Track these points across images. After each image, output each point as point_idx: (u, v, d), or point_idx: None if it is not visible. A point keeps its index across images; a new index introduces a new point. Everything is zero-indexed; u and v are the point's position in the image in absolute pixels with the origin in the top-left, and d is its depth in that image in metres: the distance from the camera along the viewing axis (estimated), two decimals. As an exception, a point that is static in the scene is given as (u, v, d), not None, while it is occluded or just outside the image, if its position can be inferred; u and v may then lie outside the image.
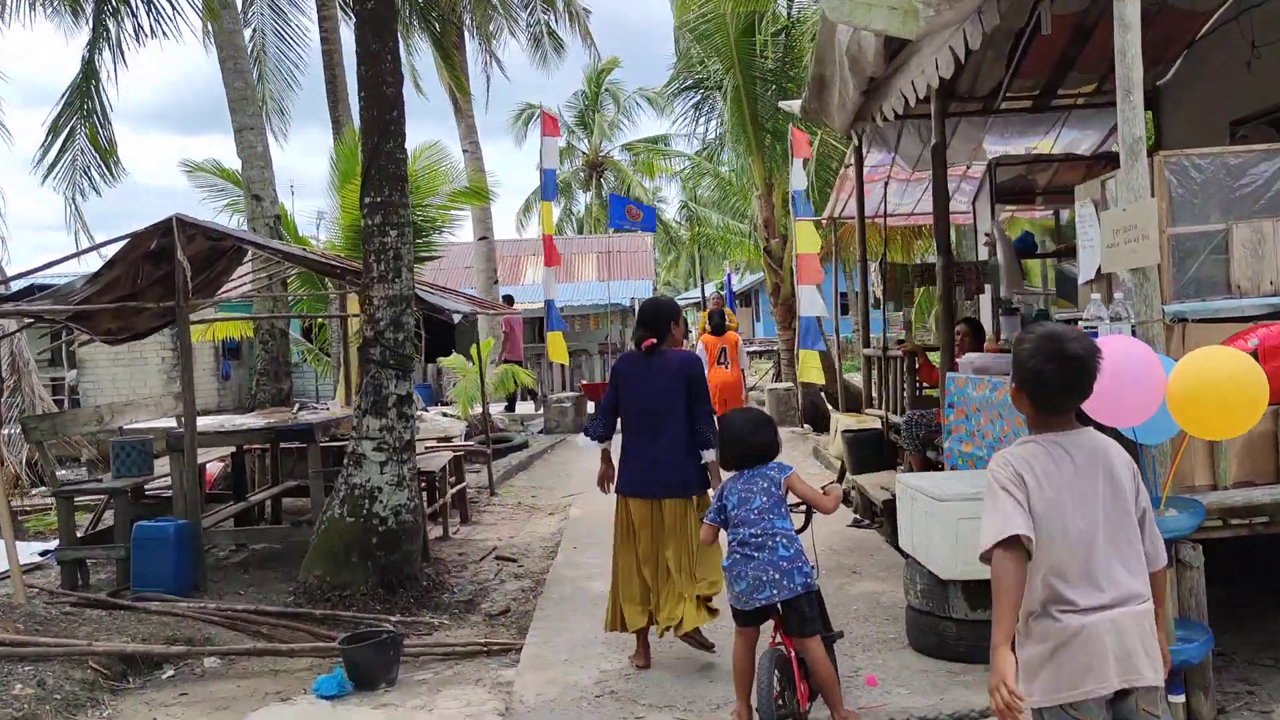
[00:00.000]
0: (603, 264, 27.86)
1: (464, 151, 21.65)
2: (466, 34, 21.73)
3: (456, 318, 8.38)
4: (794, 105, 10.26)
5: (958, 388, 6.18)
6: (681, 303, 53.77)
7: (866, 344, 10.40)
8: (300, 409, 10.02)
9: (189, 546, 7.45)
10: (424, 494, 8.53)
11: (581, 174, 45.31)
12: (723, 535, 4.49)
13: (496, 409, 16.69)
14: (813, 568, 4.29)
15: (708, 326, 14.10)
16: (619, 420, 5.37)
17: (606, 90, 44.83)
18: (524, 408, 19.69)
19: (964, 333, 8.35)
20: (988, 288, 10.54)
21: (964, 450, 6.05)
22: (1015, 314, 10.27)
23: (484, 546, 8.84)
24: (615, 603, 5.30)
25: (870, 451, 9.32)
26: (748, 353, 16.31)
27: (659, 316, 5.29)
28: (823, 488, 4.54)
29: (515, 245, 31.06)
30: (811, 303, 14.41)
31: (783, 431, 7.19)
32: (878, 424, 9.76)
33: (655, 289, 31.03)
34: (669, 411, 5.12)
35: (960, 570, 4.83)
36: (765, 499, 4.34)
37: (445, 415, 16.00)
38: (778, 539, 4.25)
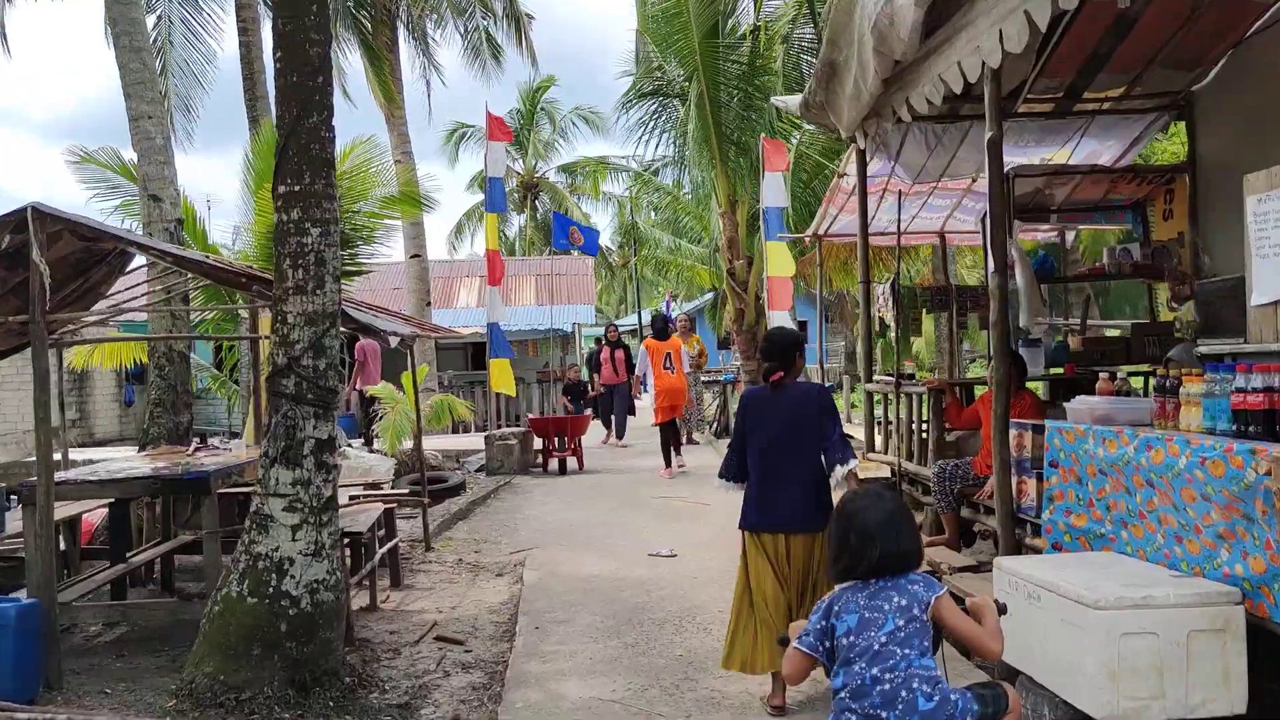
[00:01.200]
0: (542, 287, 26.27)
1: (396, 163, 19.99)
2: (401, 37, 20.18)
3: (394, 340, 6.79)
4: (790, 101, 8.90)
5: (1067, 442, 4.76)
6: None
7: (869, 377, 9.02)
8: (198, 448, 8.28)
9: (37, 634, 5.70)
10: (348, 560, 6.91)
11: (516, 195, 43.67)
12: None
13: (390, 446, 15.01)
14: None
15: (650, 332, 14.85)
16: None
17: (543, 109, 43.41)
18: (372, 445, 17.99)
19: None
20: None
21: (1074, 525, 4.63)
22: (1037, 346, 8.99)
23: (421, 621, 7.20)
24: (740, 640, 5.04)
25: (881, 505, 7.88)
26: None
27: (784, 349, 5.18)
28: (969, 602, 3.06)
29: (448, 267, 29.35)
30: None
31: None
32: (885, 472, 8.36)
33: (595, 313, 29.62)
34: (800, 444, 5.04)
35: (1126, 709, 3.38)
36: (901, 622, 2.86)
37: (372, 452, 14.28)
38: (916, 686, 2.76)
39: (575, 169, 41.15)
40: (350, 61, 20.34)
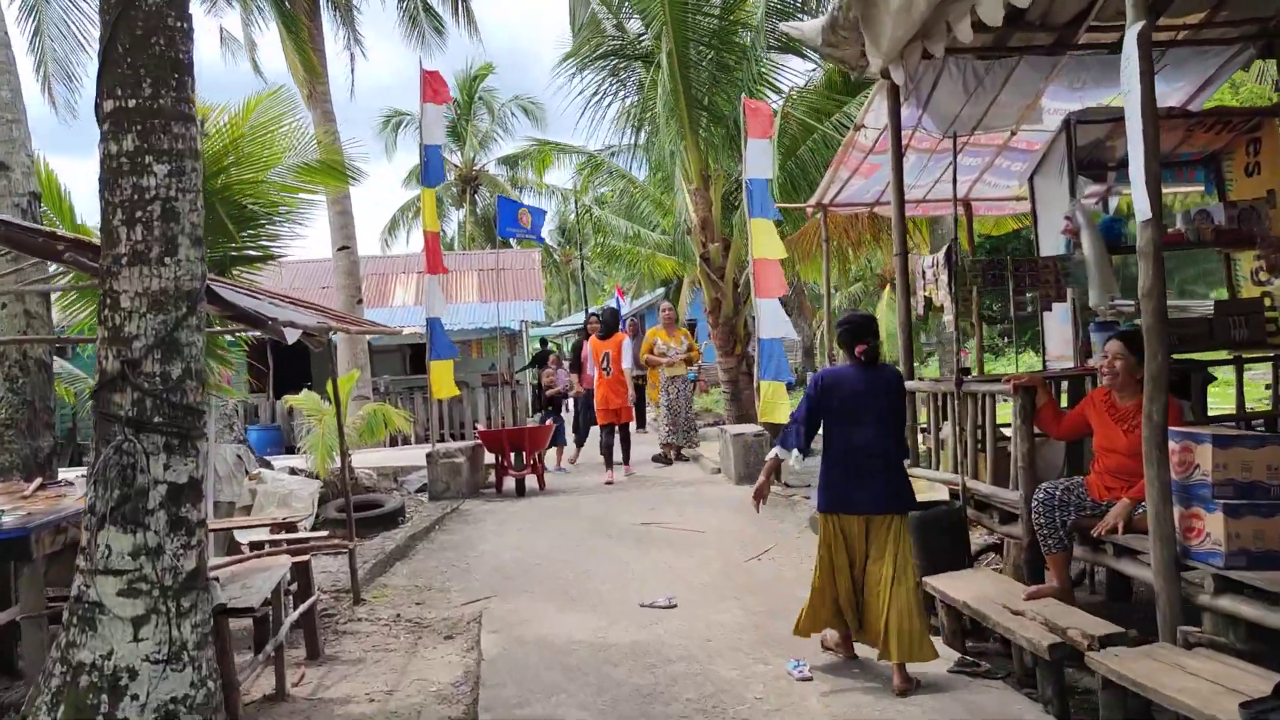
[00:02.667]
0: (486, 283, 24.18)
1: (326, 152, 17.85)
2: (322, 4, 18.06)
3: (292, 335, 4.83)
4: (807, 27, 7.08)
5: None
6: (559, 332, 50.52)
7: (910, 373, 7.21)
8: (44, 485, 6.22)
9: None
10: (234, 638, 4.97)
11: (454, 189, 41.47)
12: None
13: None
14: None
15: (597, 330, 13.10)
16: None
17: (480, 99, 41.27)
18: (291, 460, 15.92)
19: (1115, 355, 5.26)
20: (1069, 293, 7.53)
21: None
22: (1110, 330, 7.26)
23: (346, 717, 5.26)
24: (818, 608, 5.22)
25: (945, 538, 6.08)
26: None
27: (871, 326, 5.22)
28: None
29: (382, 263, 27.13)
30: (775, 321, 11.25)
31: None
32: (941, 491, 6.56)
33: (548, 308, 27.66)
34: (887, 426, 5.09)
35: None
36: None
37: (294, 472, 12.22)
38: None
39: (517, 159, 39.03)
40: (263, 31, 18.18)
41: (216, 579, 5.13)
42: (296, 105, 9.16)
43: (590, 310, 21.42)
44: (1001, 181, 9.27)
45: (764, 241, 11.21)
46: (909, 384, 7.25)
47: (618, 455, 12.35)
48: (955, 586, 5.62)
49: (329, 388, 12.49)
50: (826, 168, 12.46)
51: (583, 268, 36.26)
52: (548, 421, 12.66)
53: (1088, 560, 5.34)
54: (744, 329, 13.51)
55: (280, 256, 9.09)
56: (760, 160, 11.32)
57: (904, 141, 8.58)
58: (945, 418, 6.86)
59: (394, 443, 18.54)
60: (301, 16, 16.79)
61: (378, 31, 43.27)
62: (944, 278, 6.63)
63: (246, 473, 9.25)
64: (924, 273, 7.08)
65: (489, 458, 11.57)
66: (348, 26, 18.58)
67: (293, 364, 22.12)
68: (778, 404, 11.17)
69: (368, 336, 20.89)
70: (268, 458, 16.47)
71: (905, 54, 6.57)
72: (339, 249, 17.79)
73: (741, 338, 13.38)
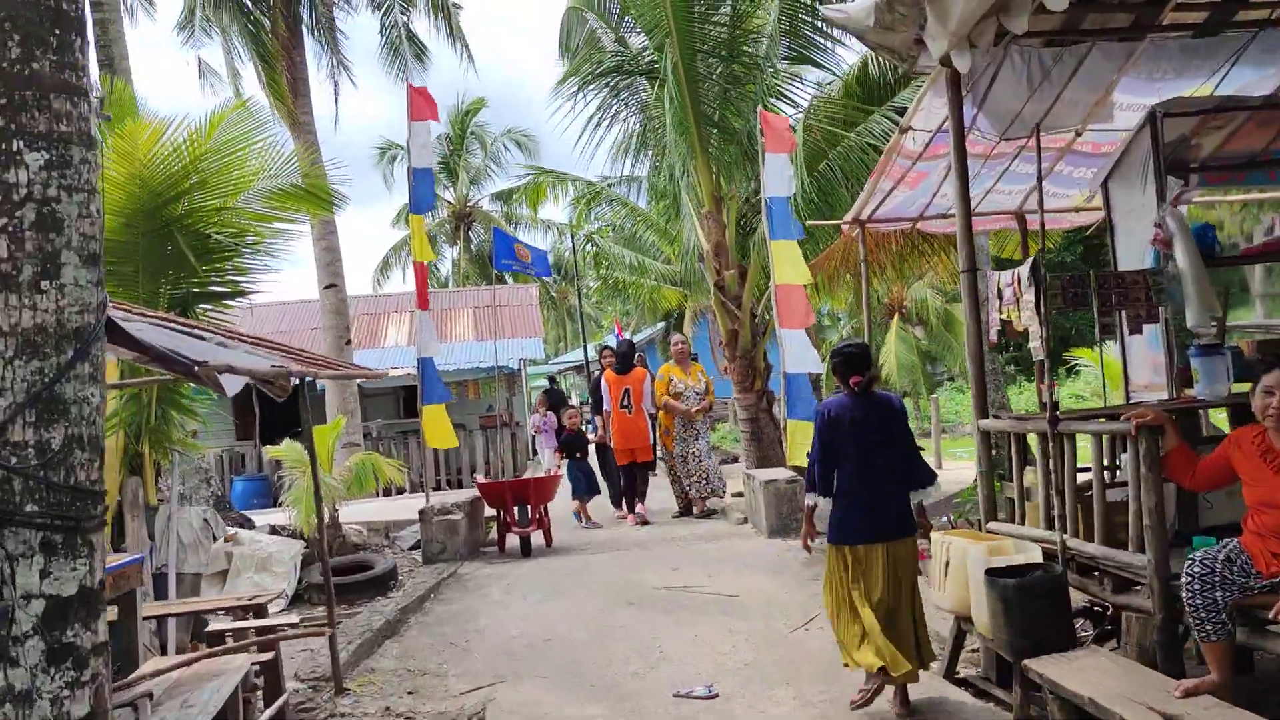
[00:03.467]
0: (482, 320, 23.14)
1: (304, 176, 16.86)
2: (304, 29, 17.16)
3: (231, 384, 3.73)
4: (854, 8, 6.08)
5: None
6: (558, 368, 49.43)
7: (983, 410, 6.15)
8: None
9: None
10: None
11: (448, 226, 40.52)
12: None
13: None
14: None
15: (613, 363, 12.21)
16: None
17: (473, 133, 40.40)
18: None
19: (1276, 386, 4.22)
20: (1162, 312, 6.48)
21: None
22: (1217, 354, 6.22)
23: None
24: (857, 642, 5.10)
25: (1044, 609, 4.99)
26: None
27: (866, 357, 5.28)
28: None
29: (374, 302, 26.06)
30: (801, 354, 10.21)
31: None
32: (1033, 551, 5.48)
33: (544, 346, 26.59)
34: (890, 452, 5.11)
35: None
36: None
37: (276, 531, 11.10)
38: None
39: (511, 194, 38.12)
40: (245, 61, 17.24)
41: (149, 695, 4.03)
42: (268, 122, 8.12)
43: (603, 343, 20.38)
44: (1061, 190, 8.25)
45: (787, 265, 10.20)
46: (982, 423, 6.20)
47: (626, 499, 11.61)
48: (1070, 675, 4.52)
49: (316, 436, 11.45)
50: (852, 182, 11.54)
51: (580, 303, 35.28)
52: (555, 470, 11.46)
53: (1253, 646, 4.25)
54: (763, 362, 12.45)
55: (250, 292, 8.01)
56: (779, 176, 10.34)
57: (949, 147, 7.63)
58: (1030, 461, 5.81)
59: (387, 492, 17.42)
60: (278, 49, 15.87)
61: (370, 65, 42.30)
62: (1028, 297, 5.60)
63: (214, 537, 8.14)
64: (999, 292, 6.04)
65: (487, 510, 10.46)
66: (332, 53, 17.65)
67: (283, 407, 20.99)
68: (806, 445, 10.12)
69: (358, 380, 19.84)
70: (251, 513, 15.32)
71: (975, 35, 5.57)
72: (325, 287, 16.76)
73: (761, 371, 12.31)
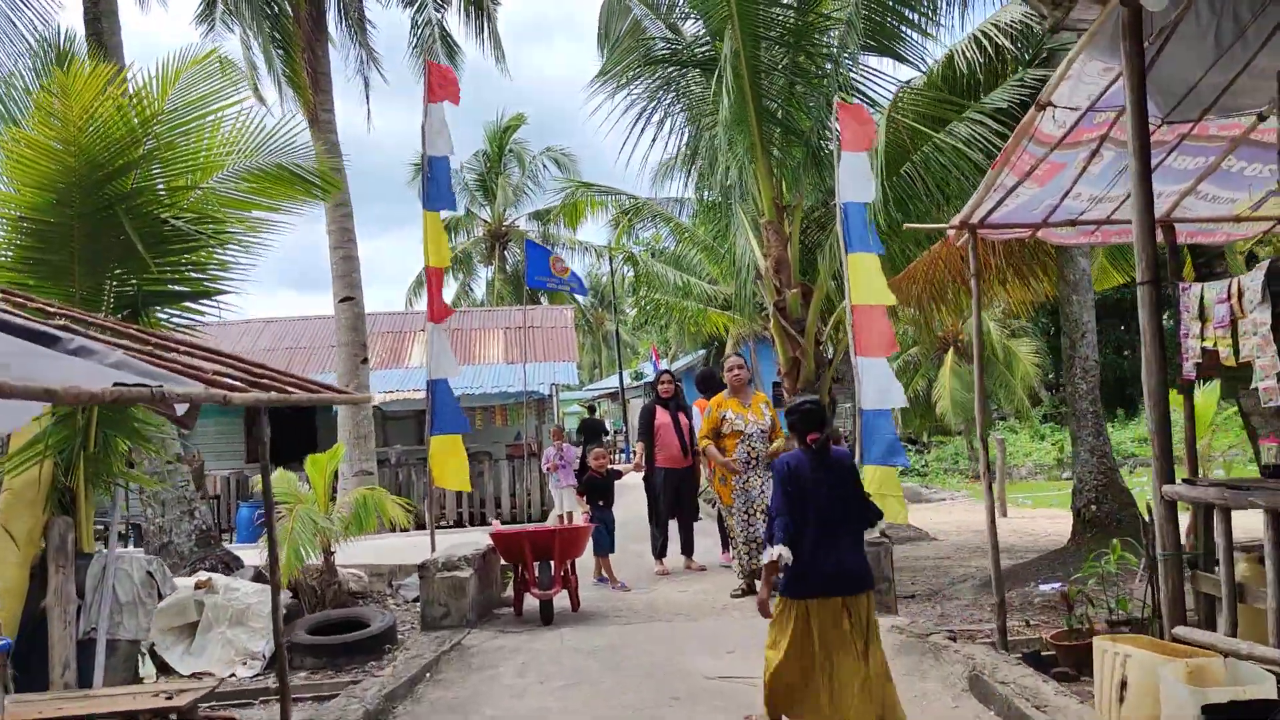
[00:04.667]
0: (513, 342, 21.67)
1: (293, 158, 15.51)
2: (329, 20, 15.90)
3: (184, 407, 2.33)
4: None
5: None
6: (590, 396, 47.76)
7: (1168, 472, 4.50)
8: None
9: None
10: None
11: (483, 245, 39.28)
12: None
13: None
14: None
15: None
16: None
17: (511, 151, 39.18)
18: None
19: None
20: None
21: None
22: None
23: None
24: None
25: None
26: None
27: (822, 414, 5.31)
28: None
29: (400, 319, 24.66)
30: (882, 387, 8.62)
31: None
32: (1265, 682, 3.84)
33: (579, 372, 25.08)
34: (848, 506, 5.18)
35: None
36: None
37: (262, 576, 9.59)
38: None
39: (548, 214, 36.82)
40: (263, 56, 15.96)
41: None
42: (242, 82, 6.63)
43: (660, 367, 18.74)
44: (1224, 193, 6.58)
45: (865, 282, 8.62)
46: (1170, 490, 4.54)
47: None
48: None
49: (311, 464, 9.96)
50: (932, 194, 9.96)
51: (616, 330, 33.91)
52: (585, 515, 9.65)
53: None
54: (828, 396, 10.82)
55: (219, 293, 6.53)
56: (858, 178, 8.78)
57: (1100, 130, 6.03)
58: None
59: (394, 528, 15.93)
60: (299, 36, 14.54)
61: (404, 79, 41.29)
62: (1259, 317, 3.99)
63: (159, 594, 6.62)
64: (1202, 311, 4.44)
65: (500, 561, 8.87)
66: (360, 46, 16.35)
67: (299, 428, 19.60)
68: (887, 497, 8.48)
69: (376, 400, 18.41)
70: (245, 547, 13.88)
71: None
72: (341, 300, 15.39)
73: (826, 406, 10.67)
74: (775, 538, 5.06)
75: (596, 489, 9.64)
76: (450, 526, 17.95)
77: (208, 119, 6.13)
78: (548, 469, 12.80)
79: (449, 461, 8.84)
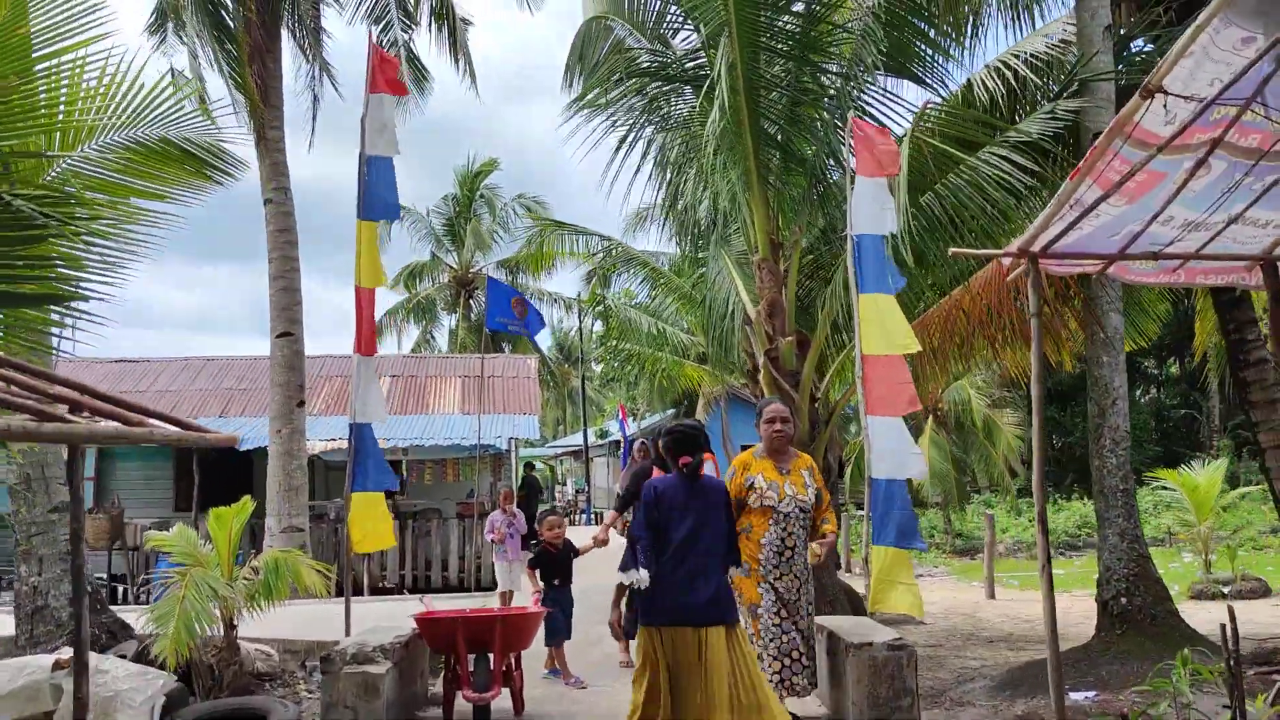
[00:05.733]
0: (470, 392, 20.18)
1: (265, 202, 14.09)
2: (284, 30, 14.57)
3: None
4: None
5: None
6: (555, 452, 46.05)
7: None
8: None
9: None
10: None
11: (448, 292, 37.82)
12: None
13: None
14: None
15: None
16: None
17: (482, 196, 37.92)
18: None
19: None
20: None
21: None
22: None
23: None
24: None
25: None
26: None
27: (701, 438, 5.17)
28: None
29: (348, 363, 23.06)
30: (896, 452, 7.25)
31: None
32: None
33: (541, 428, 23.51)
34: (714, 536, 5.03)
35: None
36: None
37: (145, 653, 7.95)
38: None
39: (518, 263, 35.49)
40: (212, 65, 14.58)
41: None
42: (112, 16, 5.18)
43: (627, 426, 17.19)
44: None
45: (880, 326, 7.29)
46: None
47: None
48: None
49: (213, 517, 8.41)
50: (948, 229, 8.68)
51: (583, 382, 32.57)
52: (535, 598, 7.87)
53: None
54: (824, 459, 9.40)
55: (77, 298, 5.05)
56: (872, 207, 7.48)
57: (1213, 133, 4.72)
58: None
59: (327, 591, 14.26)
60: (245, 41, 13.16)
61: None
62: None
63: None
64: None
65: (427, 656, 7.27)
66: (314, 59, 15.01)
67: (232, 473, 17.85)
68: (897, 584, 7.05)
69: (315, 449, 16.80)
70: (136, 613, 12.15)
71: None
72: (278, 335, 13.85)
73: (824, 469, 9.23)
74: (638, 561, 4.91)
75: (551, 565, 7.98)
76: (392, 591, 16.28)
77: (52, 60, 4.67)
78: (492, 539, 10.71)
79: (370, 523, 7.31)
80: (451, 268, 37.82)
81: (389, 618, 8.31)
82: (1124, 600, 9.05)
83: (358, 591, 15.81)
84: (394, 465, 20.33)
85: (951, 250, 5.28)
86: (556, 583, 7.87)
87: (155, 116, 5.41)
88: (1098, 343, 9.28)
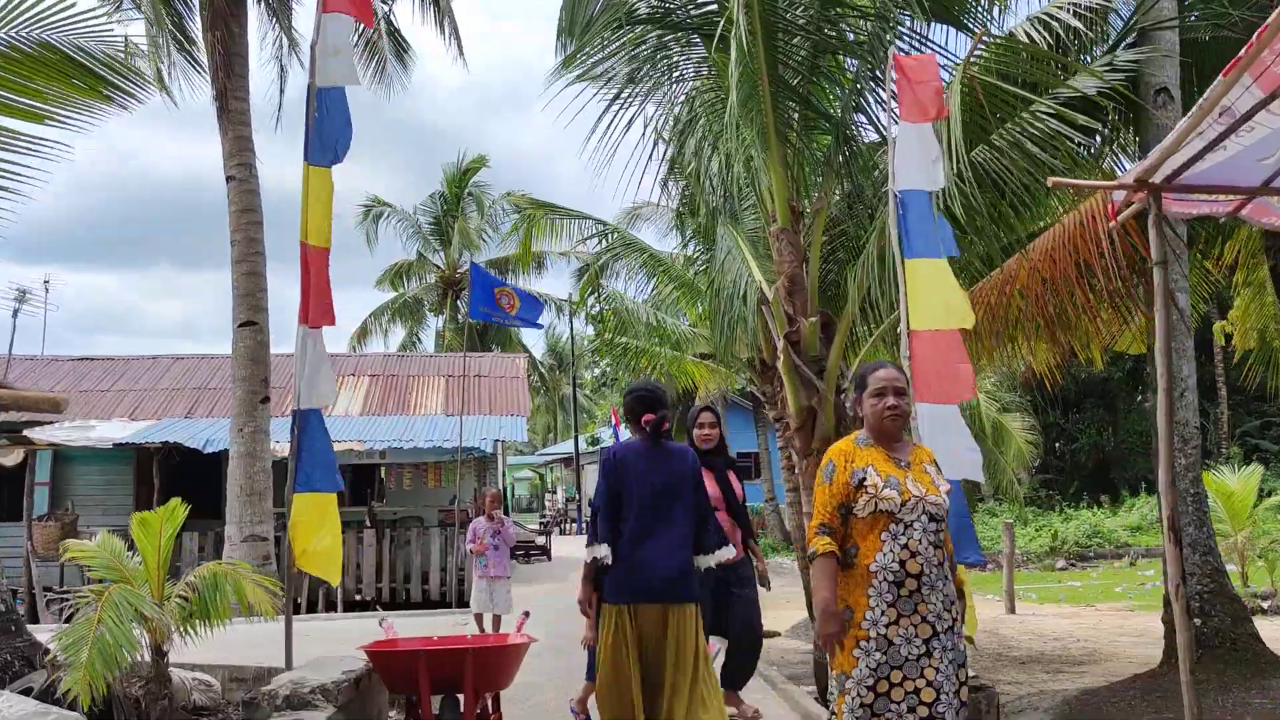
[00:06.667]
0: (454, 392, 18.94)
1: (229, 179, 12.87)
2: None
3: None
4: None
5: None
6: (545, 459, 44.79)
7: None
8: None
9: None
10: None
11: (435, 292, 36.59)
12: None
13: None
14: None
15: None
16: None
17: (470, 194, 36.72)
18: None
19: None
20: None
21: None
22: None
23: None
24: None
25: None
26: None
27: (662, 397, 4.90)
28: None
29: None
30: (952, 450, 6.06)
31: None
32: None
33: (531, 435, 22.28)
34: (676, 505, 4.68)
35: None
36: None
37: (51, 691, 6.69)
38: None
39: (507, 262, 34.32)
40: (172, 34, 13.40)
41: None
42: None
43: (620, 432, 15.83)
44: None
45: (930, 298, 6.10)
46: None
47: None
48: None
49: (138, 528, 7.19)
50: (990, 193, 7.52)
51: (574, 385, 31.43)
52: (519, 624, 6.43)
53: None
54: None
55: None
56: (918, 158, 6.30)
57: None
58: None
59: (300, 608, 13.05)
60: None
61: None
62: None
63: None
64: None
65: (391, 713, 5.98)
66: (281, 28, 13.82)
67: (194, 478, 16.56)
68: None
69: (283, 451, 15.55)
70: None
71: None
72: (241, 325, 12.61)
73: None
74: (593, 537, 4.68)
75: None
76: (369, 604, 15.05)
77: None
78: (472, 549, 9.28)
79: (315, 534, 6.03)
80: (438, 268, 36.65)
81: (348, 641, 7.09)
82: (1198, 621, 7.87)
83: (330, 607, 14.58)
84: (370, 470, 19.22)
85: (1051, 180, 4.09)
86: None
87: (32, 10, 4.21)
88: (1166, 325, 8.11)
